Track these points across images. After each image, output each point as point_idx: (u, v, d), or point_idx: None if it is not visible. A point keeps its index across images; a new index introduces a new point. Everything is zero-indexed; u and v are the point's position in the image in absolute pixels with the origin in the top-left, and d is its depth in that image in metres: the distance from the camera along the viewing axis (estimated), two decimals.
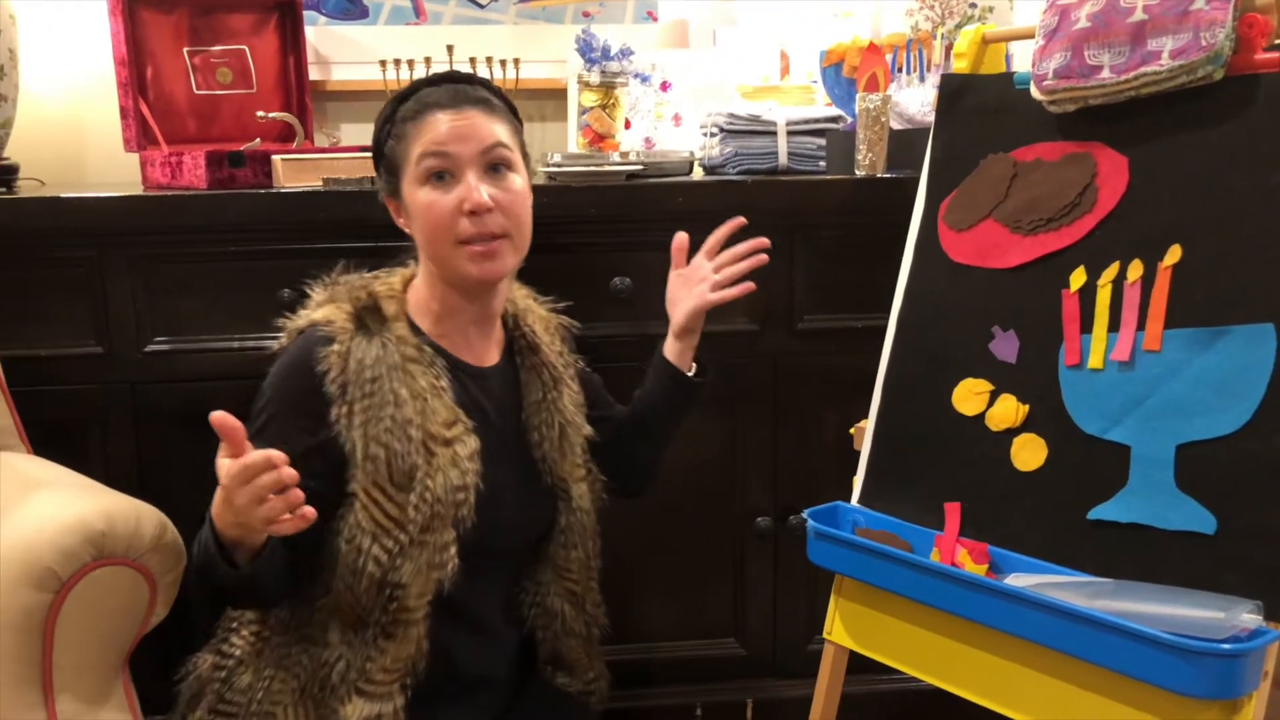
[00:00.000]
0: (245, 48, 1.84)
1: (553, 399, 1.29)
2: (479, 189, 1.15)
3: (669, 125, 1.97)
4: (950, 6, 1.75)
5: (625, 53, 1.81)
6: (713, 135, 1.75)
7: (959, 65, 1.36)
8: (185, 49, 1.79)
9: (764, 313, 1.64)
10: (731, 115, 1.71)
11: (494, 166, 1.18)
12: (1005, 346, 1.23)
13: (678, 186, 1.62)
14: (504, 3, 1.99)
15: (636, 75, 1.85)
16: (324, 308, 1.20)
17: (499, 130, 1.18)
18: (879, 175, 1.59)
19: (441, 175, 1.16)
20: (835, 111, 1.73)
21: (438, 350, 1.21)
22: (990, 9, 1.74)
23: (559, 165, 1.64)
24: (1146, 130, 1.16)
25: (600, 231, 1.62)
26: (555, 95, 2.01)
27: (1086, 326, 1.16)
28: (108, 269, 1.53)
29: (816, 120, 1.72)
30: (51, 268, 1.53)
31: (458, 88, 1.20)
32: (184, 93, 1.81)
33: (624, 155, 1.78)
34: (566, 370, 1.33)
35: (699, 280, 1.35)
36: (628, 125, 1.93)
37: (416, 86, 1.23)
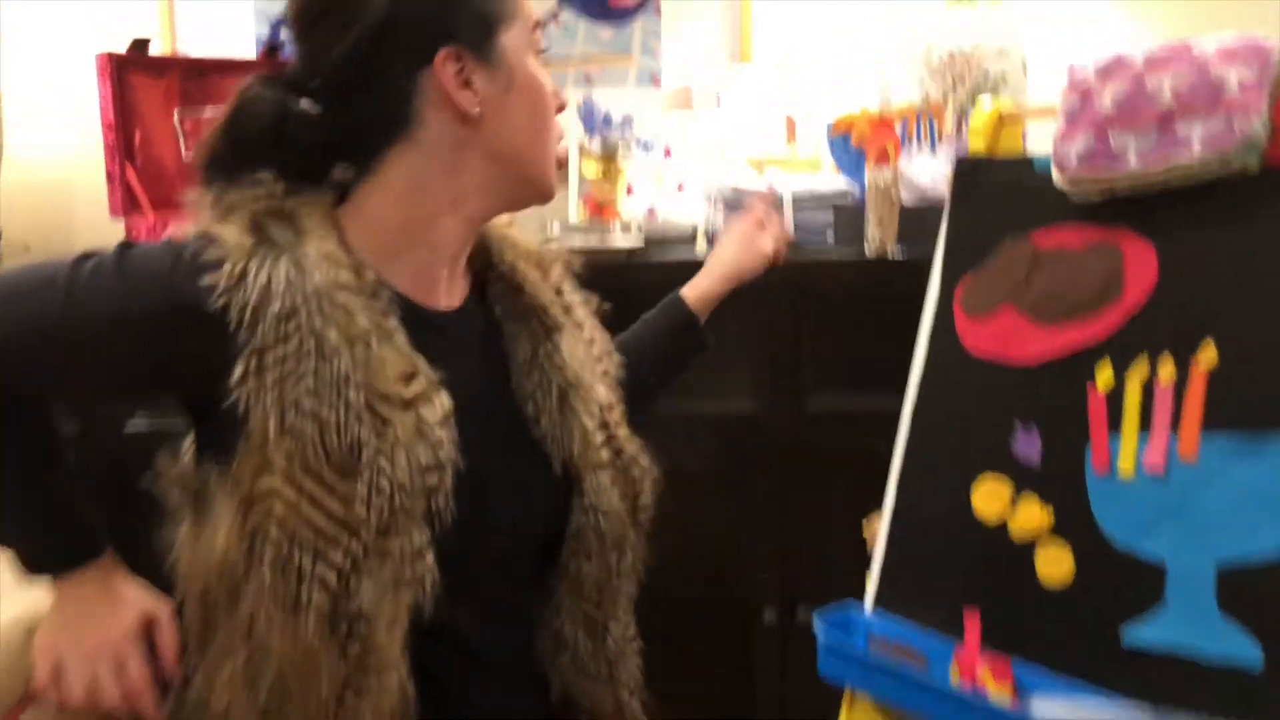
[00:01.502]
0: None
1: (546, 353, 0.99)
2: None
3: (672, 192, 1.91)
4: (961, 75, 1.70)
5: (627, 122, 1.76)
6: (717, 206, 1.70)
7: (974, 145, 1.31)
8: (176, 112, 1.74)
9: (770, 393, 1.57)
10: (736, 188, 1.65)
11: None
12: (1028, 445, 1.16)
13: (681, 265, 1.56)
14: None
15: (639, 143, 1.80)
16: (215, 218, 0.86)
17: None
18: (890, 254, 1.53)
19: (541, 53, 0.94)
20: (843, 185, 1.68)
21: (380, 282, 0.88)
22: (1004, 77, 1.69)
23: (559, 239, 1.59)
24: (1177, 220, 1.09)
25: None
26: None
27: (1115, 428, 1.09)
28: None
29: (824, 194, 1.66)
30: None
31: None
32: (173, 157, 1.76)
33: (625, 225, 1.72)
34: (569, 314, 1.05)
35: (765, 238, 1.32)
36: (630, 192, 1.87)
37: None
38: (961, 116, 1.67)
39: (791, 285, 1.53)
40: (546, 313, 1.01)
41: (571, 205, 1.83)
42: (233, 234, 0.83)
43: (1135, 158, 1.09)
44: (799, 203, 1.65)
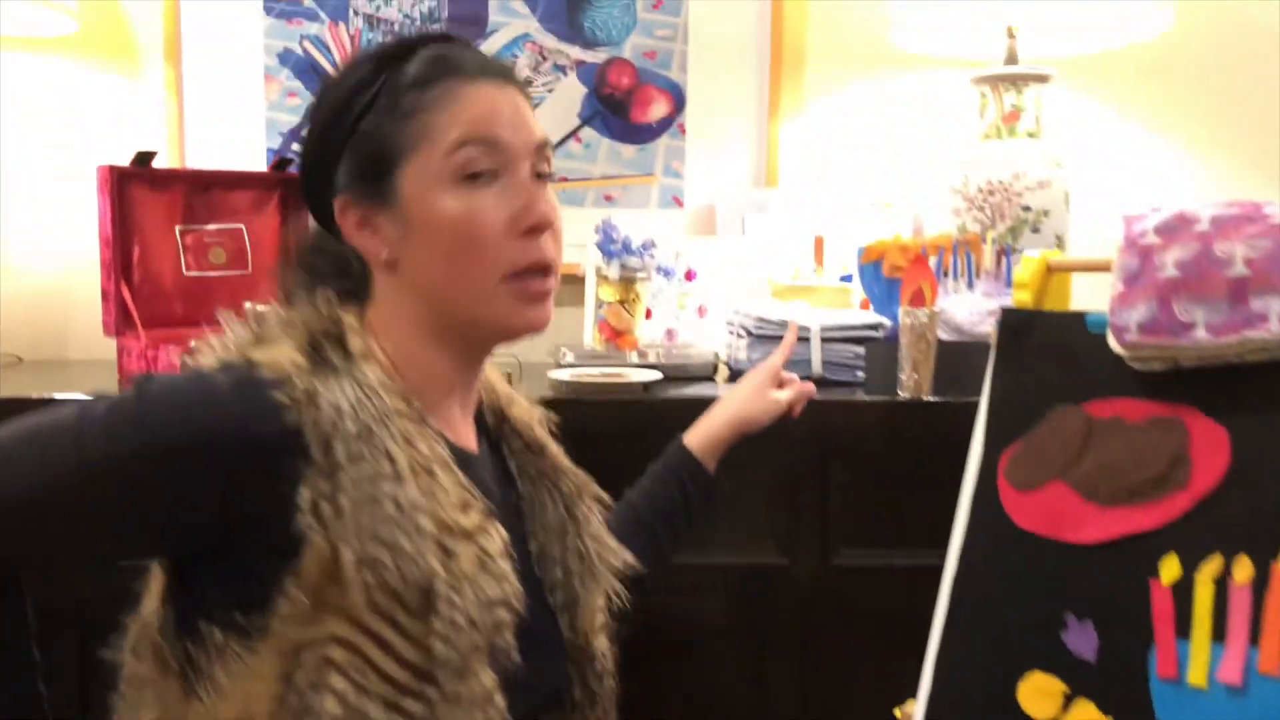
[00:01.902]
0: (242, 226, 1.72)
1: (578, 526, 0.94)
2: (543, 198, 0.84)
3: (692, 316, 1.82)
4: (1001, 210, 1.61)
5: (647, 246, 1.68)
6: (740, 336, 1.61)
7: (1020, 296, 1.21)
8: (178, 227, 1.68)
9: (795, 544, 1.46)
10: (760, 319, 1.56)
11: (540, 175, 0.85)
12: (1082, 640, 1.04)
13: (700, 401, 1.46)
14: None
15: (660, 270, 1.71)
16: (259, 347, 0.78)
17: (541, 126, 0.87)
18: (925, 398, 1.43)
19: (479, 175, 0.82)
20: (874, 318, 1.58)
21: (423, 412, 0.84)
22: (1045, 214, 1.61)
23: (572, 366, 1.51)
24: (1252, 400, 0.99)
25: (614, 447, 1.46)
26: (572, 280, 1.87)
27: (1183, 631, 0.97)
28: None
29: (854, 327, 1.57)
30: None
31: (482, 54, 0.87)
32: (173, 273, 1.68)
33: (643, 354, 1.63)
34: (587, 484, 0.99)
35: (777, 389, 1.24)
36: (648, 315, 1.79)
37: (414, 42, 0.84)
38: (1001, 252, 1.58)
39: (820, 429, 1.43)
40: (575, 478, 0.98)
41: (587, 331, 1.75)
42: (285, 354, 0.76)
43: (1204, 330, 0.99)
44: (828, 337, 1.56)
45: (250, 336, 0.79)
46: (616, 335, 1.67)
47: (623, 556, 0.98)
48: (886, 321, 1.59)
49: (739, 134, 1.91)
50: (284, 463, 0.71)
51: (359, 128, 0.82)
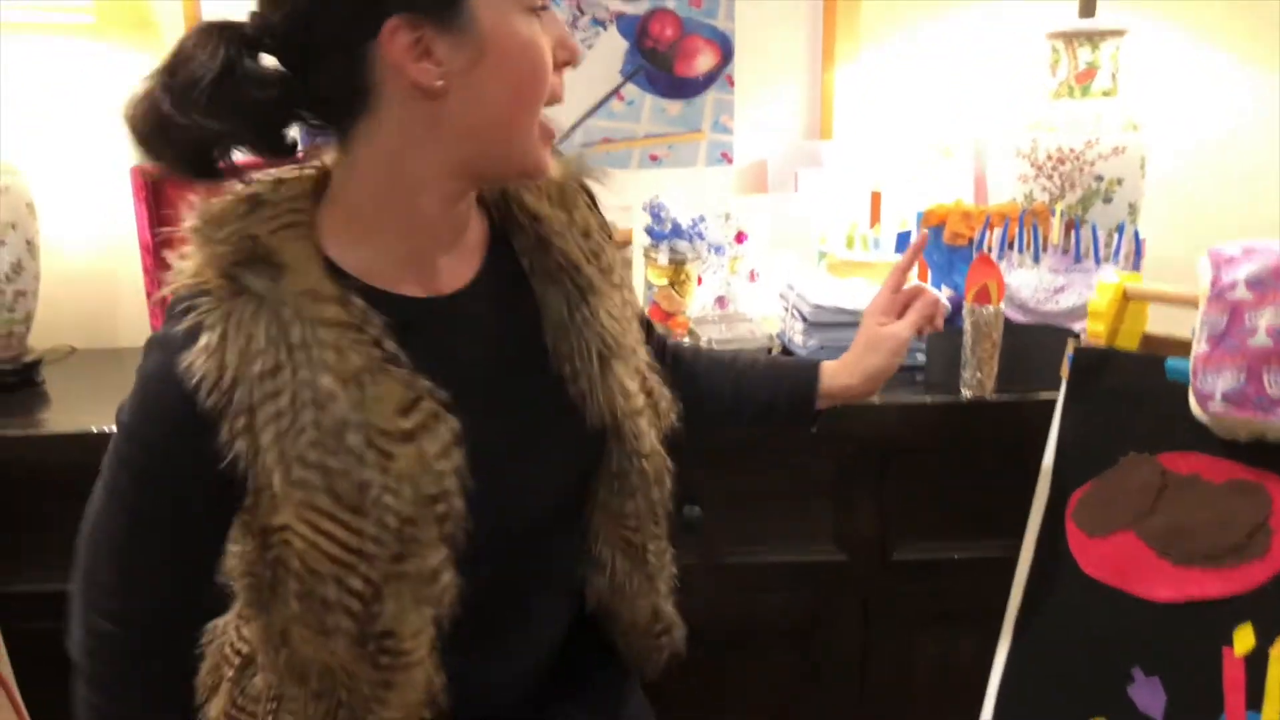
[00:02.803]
0: None
1: (584, 318, 0.93)
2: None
3: (744, 281, 1.77)
4: (1071, 180, 1.52)
5: (697, 225, 1.62)
6: (795, 318, 1.56)
7: (1094, 327, 1.15)
8: None
9: (854, 542, 1.46)
10: (817, 305, 1.51)
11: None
12: (1149, 696, 1.04)
13: None
14: (567, 146, 1.80)
15: (710, 248, 1.66)
16: (196, 258, 0.80)
17: None
18: (988, 397, 1.39)
19: (544, 6, 0.82)
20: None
21: (369, 294, 0.82)
22: (1119, 182, 1.51)
23: None
24: None
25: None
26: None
27: (1254, 703, 0.97)
28: None
29: None
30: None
31: None
32: None
33: (695, 336, 1.60)
34: (600, 266, 0.96)
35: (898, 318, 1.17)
36: (699, 282, 1.74)
37: None
38: (1070, 225, 1.50)
39: (880, 429, 1.41)
40: (579, 272, 0.94)
41: None
42: (209, 277, 0.78)
43: None
44: None
45: (202, 239, 0.80)
46: (667, 317, 1.63)
47: (638, 357, 0.98)
48: (947, 303, 1.53)
49: (791, 84, 1.80)
50: (203, 416, 0.77)
51: None
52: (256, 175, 0.84)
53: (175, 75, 0.78)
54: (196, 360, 0.76)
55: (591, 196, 1.02)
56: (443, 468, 0.81)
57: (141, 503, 0.83)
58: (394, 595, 0.81)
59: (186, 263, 0.80)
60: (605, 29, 1.76)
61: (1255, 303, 0.97)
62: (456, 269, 0.90)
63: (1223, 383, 0.98)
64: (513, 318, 0.93)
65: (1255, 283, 0.98)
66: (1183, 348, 1.07)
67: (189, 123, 0.77)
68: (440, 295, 0.88)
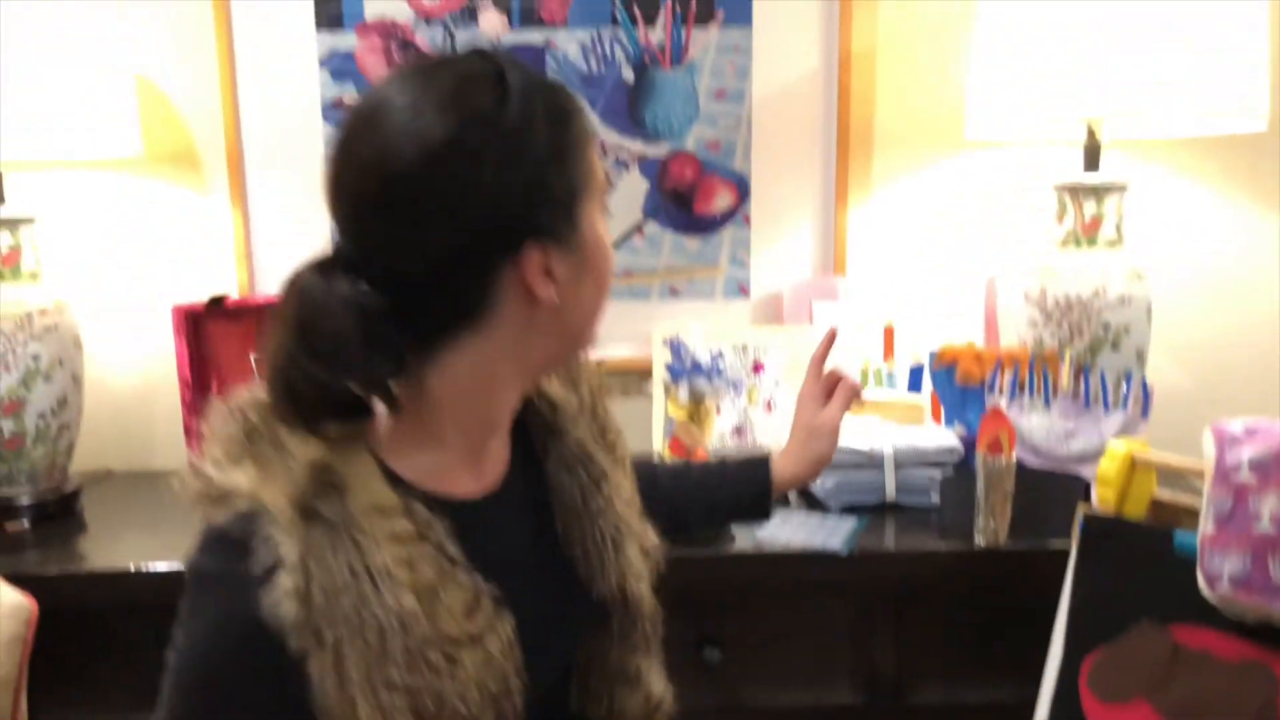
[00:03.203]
0: None
1: (599, 507, 0.94)
2: None
3: (761, 411, 1.82)
4: (1080, 327, 1.57)
5: (716, 362, 1.67)
6: None
7: (1103, 494, 1.19)
8: (252, 354, 1.70)
9: (869, 686, 1.48)
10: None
11: None
12: None
13: (775, 558, 1.46)
14: None
15: (729, 385, 1.71)
16: (256, 481, 0.77)
17: None
18: (1001, 546, 1.43)
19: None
20: (949, 442, 1.57)
21: (427, 499, 0.82)
22: (1126, 329, 1.56)
23: None
24: None
25: (686, 593, 1.48)
26: (637, 372, 1.87)
27: None
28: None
29: (928, 451, 1.56)
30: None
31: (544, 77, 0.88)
32: None
33: None
34: (606, 446, 0.98)
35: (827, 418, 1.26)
36: (717, 412, 1.79)
37: (531, 87, 0.80)
38: (1079, 371, 1.54)
39: (895, 577, 1.44)
40: (593, 461, 0.96)
41: (655, 445, 1.75)
42: (282, 508, 0.75)
43: None
44: (901, 460, 1.56)
45: (242, 451, 0.77)
46: (686, 454, 1.67)
47: (645, 540, 0.99)
48: (959, 446, 1.57)
49: (805, 221, 1.87)
50: (292, 656, 0.74)
51: (544, 179, 0.79)
52: None
53: (308, 330, 0.77)
54: (283, 604, 0.73)
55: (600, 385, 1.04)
56: (506, 667, 0.81)
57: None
58: None
59: (239, 478, 0.76)
60: (627, 170, 1.83)
61: (1259, 487, 1.01)
62: (499, 453, 0.91)
63: (1229, 565, 1.01)
64: (533, 501, 0.94)
65: (1259, 465, 1.02)
66: (1191, 517, 1.11)
67: (328, 383, 0.77)
68: (490, 492, 0.89)
